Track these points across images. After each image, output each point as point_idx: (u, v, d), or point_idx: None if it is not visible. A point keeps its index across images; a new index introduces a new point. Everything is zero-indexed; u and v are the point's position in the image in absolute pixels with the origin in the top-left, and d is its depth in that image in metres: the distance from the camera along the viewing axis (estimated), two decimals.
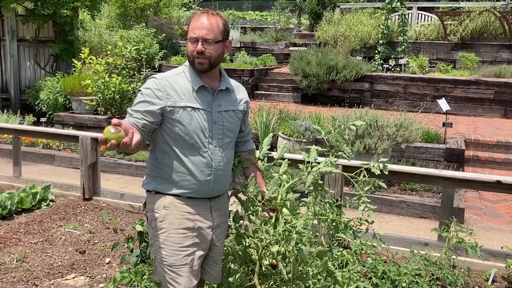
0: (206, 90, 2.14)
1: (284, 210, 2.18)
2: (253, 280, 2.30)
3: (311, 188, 2.30)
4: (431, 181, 4.19)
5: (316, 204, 2.34)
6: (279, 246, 2.10)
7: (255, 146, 2.47)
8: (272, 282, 2.34)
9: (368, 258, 3.43)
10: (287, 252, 2.18)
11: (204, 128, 2.10)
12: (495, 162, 6.97)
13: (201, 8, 18.95)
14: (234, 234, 2.39)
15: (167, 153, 2.13)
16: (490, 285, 3.42)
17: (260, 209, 2.31)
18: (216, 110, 2.14)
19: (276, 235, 2.10)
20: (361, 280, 3.10)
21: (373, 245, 3.68)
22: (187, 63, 2.18)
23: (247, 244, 2.42)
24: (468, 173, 4.83)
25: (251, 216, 2.29)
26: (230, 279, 2.36)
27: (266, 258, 2.34)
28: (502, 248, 3.59)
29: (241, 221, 2.36)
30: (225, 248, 2.46)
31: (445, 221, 3.54)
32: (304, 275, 2.19)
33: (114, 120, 1.81)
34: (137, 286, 3.00)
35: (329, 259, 2.48)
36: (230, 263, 2.47)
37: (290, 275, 2.14)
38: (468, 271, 3.49)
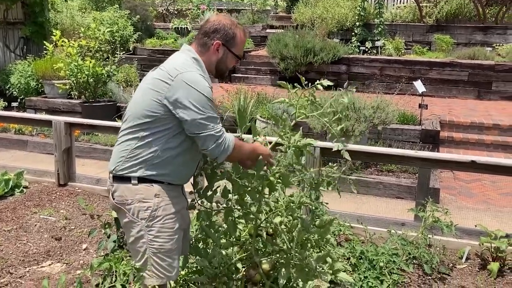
0: None
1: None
2: (248, 252, 2.32)
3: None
4: (408, 162, 4.25)
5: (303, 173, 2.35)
6: (281, 217, 2.21)
7: None
8: (268, 253, 2.36)
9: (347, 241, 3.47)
10: (288, 223, 2.27)
11: None
12: (469, 142, 7.11)
13: None
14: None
15: (172, 148, 2.12)
16: (464, 262, 3.51)
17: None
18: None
19: (278, 207, 2.21)
20: (340, 260, 3.14)
21: (351, 226, 3.72)
22: (193, 55, 2.17)
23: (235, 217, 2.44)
24: (444, 154, 4.91)
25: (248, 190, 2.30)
26: (224, 252, 2.36)
27: (262, 229, 2.37)
28: (476, 226, 3.67)
29: (230, 195, 2.35)
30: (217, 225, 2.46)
31: (421, 201, 3.60)
32: (306, 242, 2.24)
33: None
34: (116, 271, 2.97)
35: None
36: (221, 237, 2.46)
37: (292, 244, 2.19)
38: (444, 249, 3.56)
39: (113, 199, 2.21)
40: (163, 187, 2.15)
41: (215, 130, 2.04)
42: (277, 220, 2.22)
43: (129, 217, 2.17)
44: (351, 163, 5.84)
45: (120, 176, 2.16)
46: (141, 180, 2.13)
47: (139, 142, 2.12)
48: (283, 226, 2.29)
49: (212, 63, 2.19)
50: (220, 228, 2.39)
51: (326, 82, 2.24)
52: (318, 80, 2.26)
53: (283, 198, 2.26)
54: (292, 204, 2.21)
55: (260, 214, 2.29)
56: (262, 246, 2.43)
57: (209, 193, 2.36)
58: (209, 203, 2.39)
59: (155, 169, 2.13)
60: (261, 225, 2.33)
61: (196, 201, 2.38)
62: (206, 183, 2.40)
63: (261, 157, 2.19)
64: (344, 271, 3.09)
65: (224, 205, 2.37)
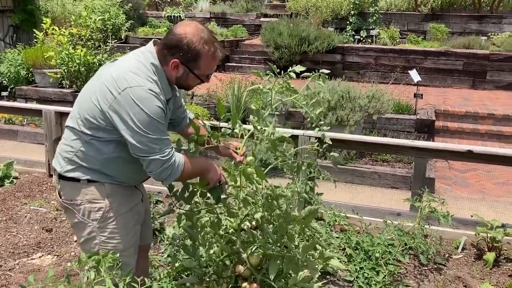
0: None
1: (249, 158, 2.13)
2: (234, 248, 2.26)
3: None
4: (403, 151, 4.21)
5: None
6: (262, 212, 2.12)
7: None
8: (255, 247, 2.30)
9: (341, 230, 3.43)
10: (269, 216, 2.19)
11: None
12: (464, 132, 7.10)
13: None
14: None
15: (122, 157, 1.97)
16: (460, 252, 3.48)
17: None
18: (168, 115, 2.04)
19: (258, 202, 2.13)
20: (335, 251, 3.10)
21: (346, 216, 3.68)
22: (154, 60, 1.93)
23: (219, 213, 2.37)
24: (440, 143, 4.88)
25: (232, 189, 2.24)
26: (213, 248, 2.31)
27: (246, 223, 2.31)
28: (471, 216, 3.65)
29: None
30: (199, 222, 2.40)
31: (417, 191, 3.56)
32: (290, 232, 2.18)
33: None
34: (104, 264, 2.92)
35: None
36: (208, 235, 2.40)
37: (276, 236, 2.13)
38: (440, 239, 3.53)
39: (60, 198, 2.06)
40: (115, 186, 2.02)
41: (161, 154, 1.85)
42: (258, 215, 2.12)
43: (78, 218, 2.02)
44: (346, 153, 5.80)
45: (67, 176, 2.00)
46: (91, 180, 1.99)
47: (84, 145, 1.96)
48: (265, 220, 2.22)
49: (172, 77, 1.97)
50: (205, 223, 2.32)
51: (299, 68, 2.15)
52: (315, 70, 2.18)
53: (262, 191, 2.15)
54: (269, 198, 2.11)
55: (240, 210, 2.20)
56: (251, 240, 2.37)
57: (186, 194, 2.25)
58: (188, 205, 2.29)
59: (104, 176, 1.99)
60: (245, 219, 2.26)
61: (174, 204, 2.27)
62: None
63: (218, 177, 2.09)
64: (339, 260, 3.06)
65: (203, 205, 2.28)
